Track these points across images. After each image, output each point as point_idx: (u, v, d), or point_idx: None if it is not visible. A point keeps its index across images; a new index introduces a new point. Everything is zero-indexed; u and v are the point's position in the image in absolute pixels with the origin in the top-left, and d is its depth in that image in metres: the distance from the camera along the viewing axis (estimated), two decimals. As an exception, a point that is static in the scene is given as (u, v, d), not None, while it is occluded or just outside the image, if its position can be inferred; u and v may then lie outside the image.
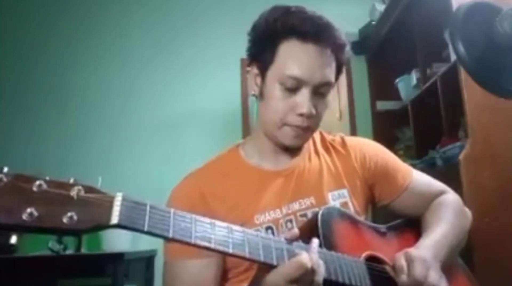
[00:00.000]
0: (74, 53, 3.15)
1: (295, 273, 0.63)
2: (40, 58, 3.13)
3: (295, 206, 0.93)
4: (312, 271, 0.64)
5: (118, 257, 2.24)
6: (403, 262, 0.81)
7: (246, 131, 3.05)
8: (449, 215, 0.99)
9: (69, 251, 2.37)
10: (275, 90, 0.90)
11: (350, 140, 1.07)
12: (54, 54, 3.15)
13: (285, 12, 0.90)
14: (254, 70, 0.95)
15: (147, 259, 2.72)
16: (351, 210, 0.96)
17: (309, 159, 1.01)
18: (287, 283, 0.64)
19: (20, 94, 3.07)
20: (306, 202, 0.94)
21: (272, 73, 0.90)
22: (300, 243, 0.70)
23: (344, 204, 0.96)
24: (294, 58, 0.88)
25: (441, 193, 1.06)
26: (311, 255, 0.66)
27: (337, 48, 0.91)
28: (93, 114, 3.08)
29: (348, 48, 0.95)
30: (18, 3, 3.19)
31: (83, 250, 2.51)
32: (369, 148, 1.06)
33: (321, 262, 0.67)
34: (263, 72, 0.92)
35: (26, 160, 2.75)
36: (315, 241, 0.69)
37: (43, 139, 2.98)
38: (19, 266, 2.23)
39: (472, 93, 1.79)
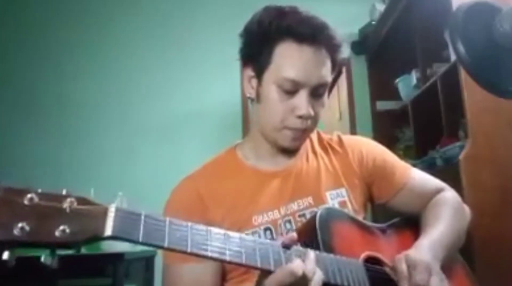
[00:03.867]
0: (73, 56, 3.16)
1: (286, 280, 0.63)
2: (39, 61, 3.14)
3: (293, 206, 0.93)
4: (304, 278, 0.64)
5: (118, 257, 2.24)
6: (404, 267, 0.80)
7: (246, 131, 3.04)
8: (447, 213, 0.98)
9: (69, 252, 2.36)
10: (272, 93, 0.89)
11: (348, 139, 1.07)
12: (54, 57, 3.16)
13: (279, 13, 0.89)
14: (249, 72, 0.94)
15: (147, 259, 2.72)
16: (349, 209, 0.96)
17: (307, 159, 1.01)
18: None
19: (19, 97, 3.07)
20: (305, 202, 0.94)
21: (269, 75, 0.89)
22: (298, 247, 0.70)
23: (343, 203, 0.96)
24: (290, 60, 0.87)
25: (440, 191, 1.05)
26: (306, 263, 0.65)
27: (332, 47, 0.90)
28: (93, 116, 3.08)
29: (343, 47, 0.93)
30: (20, 7, 3.19)
31: (83, 250, 2.50)
32: (367, 147, 1.05)
33: (318, 271, 0.67)
34: (259, 75, 0.91)
35: (25, 163, 2.75)
36: (311, 254, 0.69)
37: (42, 142, 2.98)
38: (19, 267, 2.23)
39: (472, 93, 1.79)
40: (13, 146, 2.91)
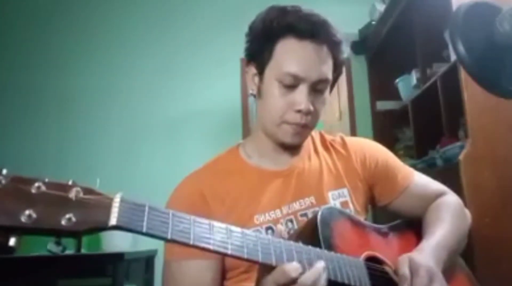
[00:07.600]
0: (74, 54, 3.16)
1: (280, 279, 0.63)
2: (40, 59, 3.14)
3: (296, 206, 0.93)
4: (294, 282, 0.63)
5: (118, 257, 2.24)
6: (406, 270, 0.79)
7: (246, 131, 3.05)
8: (449, 217, 0.98)
9: (69, 252, 2.36)
10: (273, 88, 0.91)
11: (350, 140, 1.07)
12: (54, 55, 3.15)
13: (281, 11, 0.92)
14: (252, 70, 0.96)
15: (147, 259, 2.73)
16: (351, 209, 0.96)
17: (309, 159, 1.01)
18: None
19: (19, 95, 3.07)
20: (306, 202, 0.94)
21: (270, 71, 0.92)
22: (300, 244, 0.70)
23: (345, 204, 0.96)
24: (291, 55, 0.89)
25: (441, 194, 1.05)
26: (312, 270, 0.65)
27: (333, 44, 0.92)
28: (93, 115, 3.08)
29: (344, 45, 0.95)
30: (20, 6, 3.19)
31: (83, 250, 2.51)
32: (370, 149, 1.06)
33: (322, 278, 0.66)
34: (260, 71, 0.93)
35: (26, 161, 2.75)
36: (321, 263, 0.68)
37: (43, 140, 2.98)
38: (19, 267, 2.24)
39: (472, 93, 1.79)
40: (13, 145, 2.91)
